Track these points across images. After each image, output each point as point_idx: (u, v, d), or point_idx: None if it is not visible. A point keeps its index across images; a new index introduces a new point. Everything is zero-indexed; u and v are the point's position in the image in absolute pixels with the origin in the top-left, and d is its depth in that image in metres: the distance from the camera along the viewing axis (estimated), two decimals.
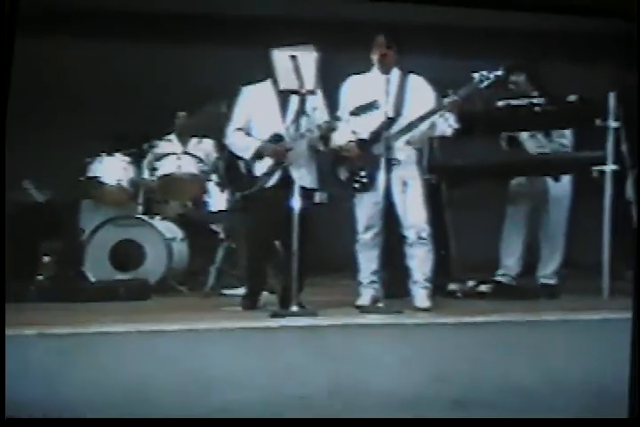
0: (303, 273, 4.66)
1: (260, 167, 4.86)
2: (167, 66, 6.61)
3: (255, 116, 4.93)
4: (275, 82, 4.85)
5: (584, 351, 4.10)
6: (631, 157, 5.18)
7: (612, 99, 5.14)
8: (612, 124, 5.12)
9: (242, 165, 4.95)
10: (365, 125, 4.83)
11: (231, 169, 5.06)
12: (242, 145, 4.95)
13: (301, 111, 4.76)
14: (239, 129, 4.95)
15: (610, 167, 5.10)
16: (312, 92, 4.70)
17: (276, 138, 4.85)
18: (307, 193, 4.73)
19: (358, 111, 4.79)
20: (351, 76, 4.96)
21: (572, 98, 5.24)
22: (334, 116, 4.83)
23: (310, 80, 4.67)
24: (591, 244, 5.23)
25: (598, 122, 5.16)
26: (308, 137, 4.78)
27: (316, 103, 4.80)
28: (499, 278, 5.46)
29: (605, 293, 5.04)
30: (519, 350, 4.12)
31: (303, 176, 4.79)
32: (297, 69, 4.64)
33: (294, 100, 4.80)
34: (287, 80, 4.68)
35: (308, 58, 4.66)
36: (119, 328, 4.09)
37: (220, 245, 5.75)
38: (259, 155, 4.87)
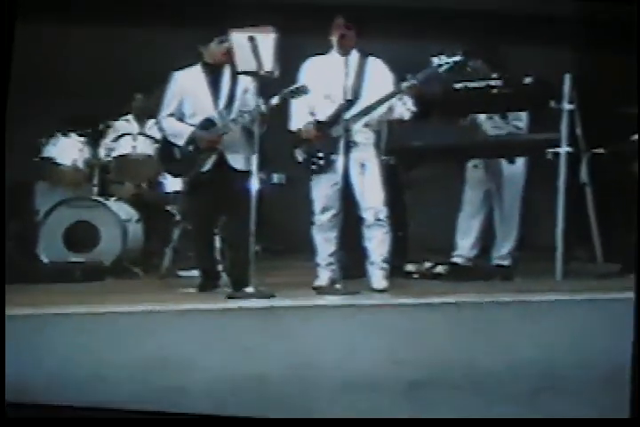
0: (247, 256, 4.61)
1: (195, 152, 4.84)
2: (125, 47, 6.53)
3: (186, 100, 4.91)
4: (204, 65, 4.88)
5: (537, 331, 4.15)
6: (585, 139, 5.25)
7: (567, 81, 5.17)
8: (567, 106, 5.15)
9: (176, 149, 4.92)
10: (323, 107, 4.83)
11: (166, 153, 5.01)
12: (174, 131, 4.92)
13: (233, 95, 4.81)
14: (171, 115, 4.92)
15: (564, 149, 5.12)
16: (270, 74, 4.69)
17: (208, 123, 4.85)
18: (242, 175, 4.71)
19: (286, 95, 4.73)
20: (310, 58, 4.93)
21: (527, 80, 5.25)
22: (265, 100, 4.76)
23: (268, 61, 4.66)
24: (545, 226, 5.29)
25: (553, 104, 5.19)
26: (240, 122, 4.78)
27: (248, 86, 4.80)
28: (455, 260, 5.50)
29: (558, 274, 5.09)
30: (475, 331, 4.14)
31: (238, 159, 4.79)
32: (255, 51, 4.61)
33: (225, 84, 4.83)
34: (245, 61, 4.66)
35: (267, 39, 4.64)
36: (74, 310, 4.06)
37: (175, 227, 5.72)
38: (192, 142, 4.85)
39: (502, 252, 5.47)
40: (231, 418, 3.71)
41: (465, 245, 5.53)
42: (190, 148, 4.84)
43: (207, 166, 4.81)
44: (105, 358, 3.81)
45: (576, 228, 5.26)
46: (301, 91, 4.70)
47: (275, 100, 4.72)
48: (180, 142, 4.87)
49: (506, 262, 5.46)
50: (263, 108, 4.69)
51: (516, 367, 4.00)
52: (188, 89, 4.89)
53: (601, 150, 5.38)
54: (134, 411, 3.64)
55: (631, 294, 4.49)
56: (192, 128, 4.84)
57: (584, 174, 5.28)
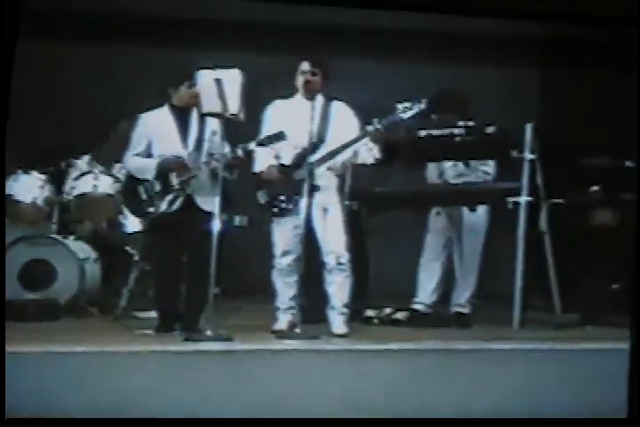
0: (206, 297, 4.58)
1: (161, 192, 4.83)
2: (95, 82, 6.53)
3: (154, 142, 4.90)
4: (172, 107, 4.90)
5: (494, 380, 4.15)
6: (545, 189, 5.31)
7: (528, 131, 5.25)
8: (528, 155, 5.23)
9: (141, 188, 4.89)
10: (287, 151, 4.85)
11: (130, 192, 4.97)
12: (141, 166, 4.90)
13: (201, 136, 4.83)
14: (137, 155, 4.92)
15: (524, 199, 5.18)
16: (236, 116, 4.70)
17: (178, 159, 4.85)
18: (208, 217, 4.68)
19: (264, 141, 4.77)
20: (274, 101, 4.97)
21: (490, 129, 5.33)
22: (239, 145, 4.78)
23: (234, 104, 4.67)
24: (504, 274, 5.32)
25: (515, 153, 5.27)
26: (212, 164, 4.78)
27: (215, 128, 4.79)
28: (415, 306, 5.50)
29: (516, 323, 5.11)
30: (432, 378, 4.15)
31: (206, 201, 4.77)
32: (221, 93, 4.63)
33: (194, 127, 4.86)
34: (210, 103, 4.67)
35: (233, 81, 4.66)
36: (27, 348, 3.98)
37: (133, 267, 5.67)
38: (161, 171, 4.83)
39: (461, 299, 5.48)
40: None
41: (425, 292, 5.52)
42: (157, 187, 4.82)
43: (175, 206, 4.79)
44: (57, 397, 3.75)
45: (535, 277, 5.30)
46: (280, 137, 4.71)
47: (252, 146, 4.74)
48: (150, 175, 4.84)
49: (465, 310, 5.46)
50: (239, 152, 4.72)
51: (471, 414, 3.99)
52: (155, 131, 4.89)
53: (560, 200, 5.44)
54: None
55: (589, 345, 4.58)
56: (159, 159, 4.83)
57: (543, 224, 5.32)
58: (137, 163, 4.92)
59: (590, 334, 5.00)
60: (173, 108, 4.90)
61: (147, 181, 4.87)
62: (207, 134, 4.83)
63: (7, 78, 3.85)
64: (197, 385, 3.88)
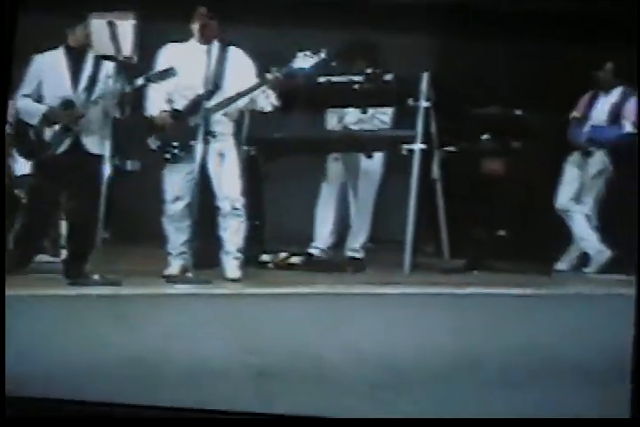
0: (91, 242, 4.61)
1: (50, 133, 4.78)
2: None
3: (45, 83, 4.83)
4: (67, 48, 4.82)
5: (384, 324, 4.25)
6: (439, 136, 5.41)
7: (424, 79, 5.31)
8: (424, 104, 5.30)
9: (31, 131, 4.84)
10: (181, 96, 4.82)
11: (19, 134, 4.91)
12: (28, 110, 4.84)
13: (94, 78, 4.77)
14: (27, 95, 4.83)
15: (418, 146, 5.27)
16: (129, 59, 4.65)
17: (67, 103, 4.79)
18: (96, 160, 4.66)
19: (153, 77, 4.75)
20: (168, 44, 4.90)
21: (387, 77, 5.39)
22: (131, 83, 4.77)
23: (127, 47, 4.62)
24: (397, 221, 5.41)
25: (411, 101, 5.34)
26: (101, 104, 4.73)
27: (110, 71, 4.74)
28: (311, 250, 5.57)
29: (407, 268, 5.21)
30: (325, 322, 4.23)
31: (94, 143, 4.73)
32: (114, 36, 4.57)
33: (88, 68, 4.79)
34: (104, 46, 4.61)
35: (126, 24, 4.60)
36: None
37: (20, 211, 5.58)
38: (47, 120, 4.78)
39: (355, 244, 5.55)
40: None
41: (321, 236, 5.59)
42: (45, 127, 4.77)
43: (62, 148, 4.75)
44: None
45: (426, 223, 5.43)
46: (170, 73, 4.68)
47: (140, 81, 4.71)
48: (34, 121, 4.78)
49: (358, 255, 5.54)
50: (127, 88, 4.68)
51: (363, 360, 4.09)
52: (46, 71, 4.81)
53: (452, 148, 5.55)
54: None
55: (474, 289, 4.73)
56: (47, 107, 4.77)
57: (435, 171, 5.42)
58: (25, 106, 4.84)
59: (476, 278, 5.16)
60: (68, 49, 4.83)
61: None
62: (101, 76, 4.77)
63: (7, 79, 3.76)
64: (84, 330, 3.89)
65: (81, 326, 3.91)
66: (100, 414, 3.60)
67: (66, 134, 4.74)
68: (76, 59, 4.82)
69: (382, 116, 5.60)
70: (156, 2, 5.55)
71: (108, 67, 4.74)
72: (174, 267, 4.81)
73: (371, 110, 5.56)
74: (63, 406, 3.63)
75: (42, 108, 4.79)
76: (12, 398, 3.57)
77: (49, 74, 4.81)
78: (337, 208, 5.59)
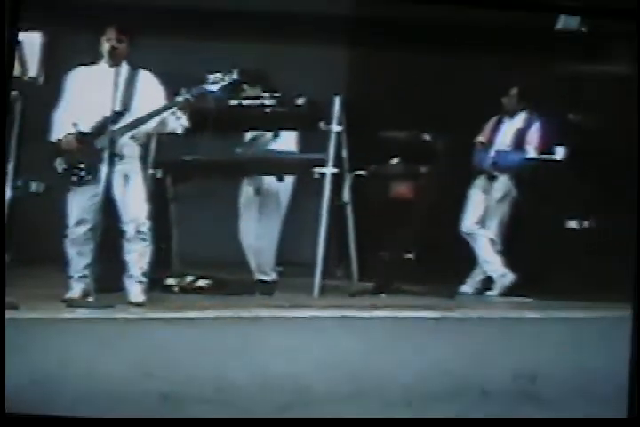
0: None
1: None
2: None
3: None
4: None
5: (293, 348, 4.23)
6: (350, 160, 5.45)
7: (337, 103, 5.33)
8: (335, 127, 5.32)
9: None
10: (88, 119, 4.74)
11: None
12: None
13: None
14: None
15: (330, 170, 5.29)
16: (34, 79, 4.60)
17: None
18: None
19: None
20: (77, 67, 4.83)
21: (299, 101, 5.41)
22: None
23: (33, 67, 4.57)
24: (308, 243, 5.43)
25: (322, 125, 5.36)
26: None
27: None
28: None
29: (316, 291, 5.21)
30: (232, 346, 4.18)
31: None
32: (20, 56, 4.52)
33: None
34: None
35: (33, 44, 4.55)
36: None
37: None
38: None
39: (265, 267, 5.53)
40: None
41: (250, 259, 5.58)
42: None
43: None
44: None
45: (336, 246, 5.45)
46: None
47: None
48: None
49: (267, 278, 5.52)
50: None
51: (268, 383, 4.07)
52: None
53: (362, 172, 5.60)
54: None
55: (381, 313, 4.76)
56: None
57: (346, 194, 5.44)
58: None
59: (383, 301, 5.17)
60: None
61: None
62: None
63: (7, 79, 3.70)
64: None
65: None
66: None
67: None
68: None
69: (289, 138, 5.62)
70: (63, 23, 5.56)
71: None
72: (75, 291, 4.72)
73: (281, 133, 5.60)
74: None
75: None
76: None
77: None
78: (252, 230, 5.57)
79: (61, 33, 4.86)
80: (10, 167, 4.49)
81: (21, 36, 4.49)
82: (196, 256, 5.60)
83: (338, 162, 5.35)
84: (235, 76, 4.87)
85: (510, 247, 5.44)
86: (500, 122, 5.59)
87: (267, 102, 5.43)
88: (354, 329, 4.41)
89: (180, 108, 4.79)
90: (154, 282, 4.95)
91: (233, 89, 5.09)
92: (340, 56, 5.97)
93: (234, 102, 5.41)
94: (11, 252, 4.53)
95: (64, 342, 4.00)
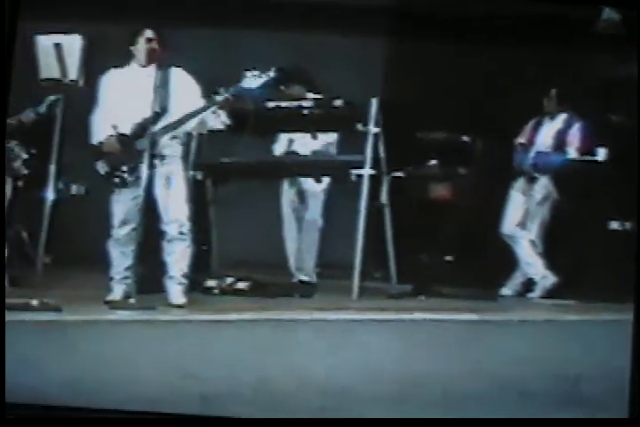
0: None
1: None
2: None
3: None
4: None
5: (329, 350, 4.24)
6: (388, 162, 5.44)
7: (374, 104, 5.33)
8: (373, 129, 5.32)
9: None
10: (127, 120, 4.77)
11: None
12: None
13: None
14: None
15: (367, 171, 5.29)
16: (75, 82, 4.63)
17: None
18: None
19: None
20: (109, 70, 4.85)
21: (337, 102, 5.40)
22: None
23: (74, 70, 4.60)
24: (346, 245, 5.42)
25: (360, 126, 5.35)
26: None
27: None
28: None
29: (354, 293, 5.20)
30: (270, 348, 4.20)
31: None
32: (60, 58, 4.55)
33: None
34: (49, 69, 4.59)
35: (73, 46, 4.58)
36: None
37: None
38: None
39: (306, 268, 5.56)
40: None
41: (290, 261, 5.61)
42: None
43: None
44: None
45: (374, 248, 5.43)
46: None
47: (42, 109, 4.73)
48: None
49: (309, 279, 5.55)
50: (31, 115, 4.75)
51: (310, 385, 4.08)
52: None
53: (400, 174, 5.58)
54: None
55: (420, 315, 4.74)
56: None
57: (384, 196, 5.43)
58: None
59: (422, 304, 5.15)
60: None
61: None
62: None
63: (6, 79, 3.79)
64: (22, 355, 3.83)
65: (19, 352, 3.85)
66: None
67: None
68: None
69: (330, 139, 5.62)
70: (99, 24, 5.59)
71: None
72: (116, 292, 4.75)
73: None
74: None
75: None
76: None
77: None
78: (294, 232, 5.61)
79: (101, 34, 4.86)
80: (52, 170, 4.53)
81: (61, 38, 4.55)
82: (235, 258, 5.62)
83: (375, 164, 5.33)
84: (272, 73, 4.88)
85: (551, 249, 5.42)
86: (540, 123, 5.56)
87: (304, 104, 5.45)
88: (393, 331, 4.41)
89: (219, 108, 4.82)
90: (194, 284, 4.97)
91: (271, 88, 5.09)
92: (378, 56, 5.94)
93: (271, 104, 5.42)
94: (52, 254, 4.59)
95: (106, 343, 4.04)
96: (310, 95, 5.50)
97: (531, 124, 5.59)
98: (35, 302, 4.32)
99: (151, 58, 4.78)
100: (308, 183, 5.59)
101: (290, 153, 5.64)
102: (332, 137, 5.64)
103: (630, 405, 3.86)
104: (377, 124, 5.32)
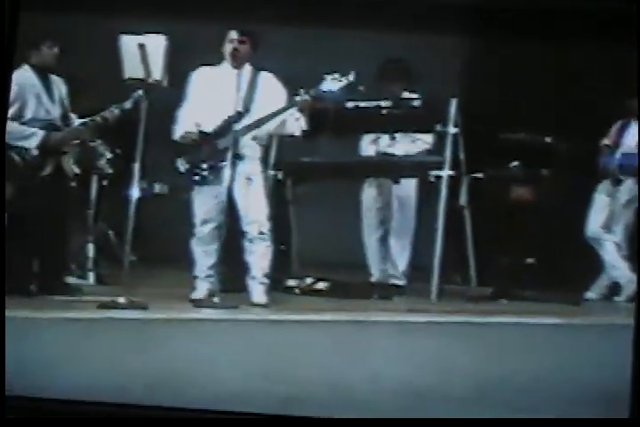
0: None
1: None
2: None
3: (29, 103, 4.82)
4: (33, 67, 4.82)
5: (407, 352, 4.21)
6: (467, 163, 5.38)
7: (453, 105, 5.28)
8: (452, 129, 5.27)
9: (15, 154, 4.79)
10: (210, 119, 4.81)
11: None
12: (22, 135, 4.78)
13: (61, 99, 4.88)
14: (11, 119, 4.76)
15: (446, 172, 5.25)
16: (159, 82, 4.67)
17: (52, 127, 4.82)
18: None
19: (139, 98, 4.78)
20: (200, 68, 4.92)
21: (416, 102, 5.37)
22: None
23: (158, 70, 4.64)
24: (425, 247, 5.39)
25: (438, 127, 5.31)
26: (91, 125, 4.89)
27: (63, 90, 4.88)
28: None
29: (433, 295, 5.17)
30: (350, 350, 4.18)
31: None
32: (144, 58, 4.59)
33: (56, 89, 4.87)
34: (133, 69, 4.63)
35: (157, 47, 4.61)
36: None
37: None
38: (44, 144, 4.80)
39: (397, 271, 5.52)
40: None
41: (373, 263, 5.57)
42: (35, 151, 4.77)
43: (47, 170, 4.79)
44: None
45: (453, 251, 5.38)
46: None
47: (128, 104, 4.77)
48: (32, 144, 4.76)
49: (400, 282, 5.51)
50: (116, 111, 4.80)
51: (384, 386, 4.03)
52: (24, 92, 4.79)
53: (480, 175, 5.52)
54: None
55: (501, 318, 4.68)
56: (40, 130, 4.79)
57: (463, 198, 5.39)
58: (13, 129, 4.72)
59: (503, 307, 5.11)
60: (34, 68, 4.82)
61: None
62: (60, 96, 4.88)
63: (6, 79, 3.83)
64: (111, 353, 3.86)
65: (106, 349, 3.89)
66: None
67: (53, 157, 4.80)
68: (46, 79, 4.85)
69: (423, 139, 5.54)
70: (187, 26, 5.64)
71: (62, 87, 4.86)
72: (201, 290, 4.80)
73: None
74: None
75: (37, 132, 4.79)
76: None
77: (28, 95, 4.80)
78: (377, 233, 5.58)
79: (185, 36, 4.90)
80: (136, 169, 4.56)
81: (145, 38, 4.58)
82: (314, 258, 5.62)
83: (455, 164, 5.29)
84: (352, 76, 4.87)
85: (637, 252, 5.32)
86: (626, 125, 5.45)
87: (383, 104, 5.42)
88: (473, 335, 4.37)
89: (299, 109, 4.84)
90: (275, 283, 4.98)
91: (350, 90, 5.08)
92: (458, 55, 5.89)
93: (350, 104, 5.42)
94: (137, 252, 4.63)
95: (191, 341, 4.05)
96: (406, 94, 5.44)
97: (617, 125, 5.50)
98: (122, 300, 4.39)
99: (235, 58, 4.82)
100: (400, 188, 5.51)
101: (374, 152, 5.59)
102: (429, 139, 5.55)
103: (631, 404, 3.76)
104: (456, 125, 5.27)
